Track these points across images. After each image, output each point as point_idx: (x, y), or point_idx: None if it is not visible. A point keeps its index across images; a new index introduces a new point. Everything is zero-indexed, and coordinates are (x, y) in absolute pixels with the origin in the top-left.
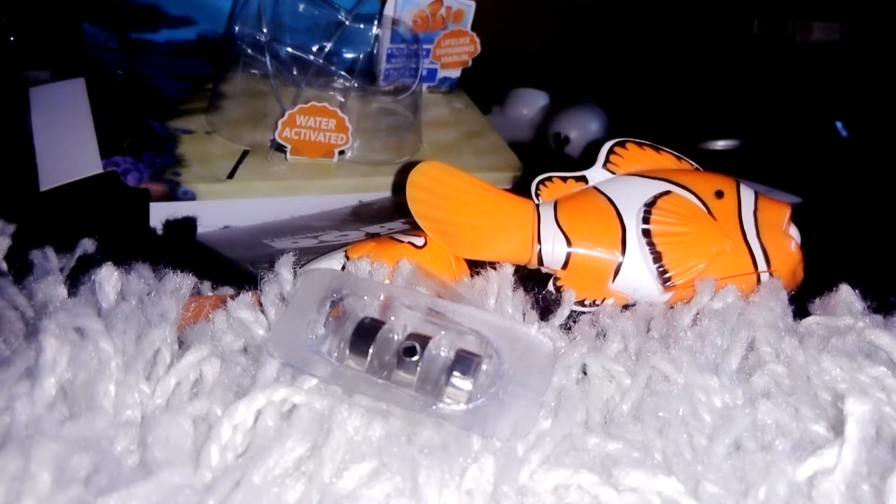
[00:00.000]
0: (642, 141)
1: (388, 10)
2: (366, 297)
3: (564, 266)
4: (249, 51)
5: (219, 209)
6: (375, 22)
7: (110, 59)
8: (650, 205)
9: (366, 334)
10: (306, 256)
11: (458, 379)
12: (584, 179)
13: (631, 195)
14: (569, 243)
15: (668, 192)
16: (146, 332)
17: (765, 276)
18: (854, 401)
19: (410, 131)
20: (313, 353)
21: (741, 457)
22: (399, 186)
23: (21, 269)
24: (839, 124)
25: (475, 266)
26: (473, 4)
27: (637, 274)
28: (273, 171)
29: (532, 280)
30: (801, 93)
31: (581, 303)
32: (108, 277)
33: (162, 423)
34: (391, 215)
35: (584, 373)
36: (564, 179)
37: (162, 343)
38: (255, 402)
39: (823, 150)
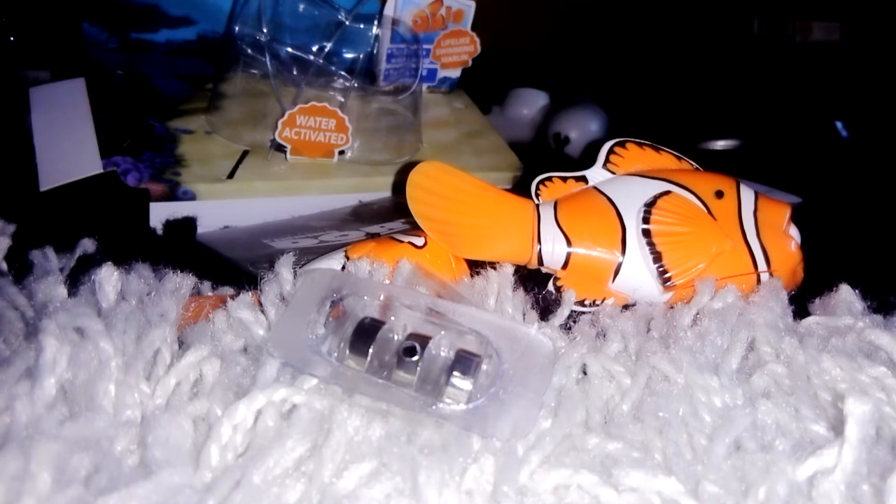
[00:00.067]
0: (642, 141)
1: (388, 10)
2: (366, 297)
3: (564, 266)
4: (249, 51)
5: (219, 209)
6: (375, 22)
7: (110, 59)
8: (650, 205)
9: (366, 334)
10: (306, 256)
11: (458, 379)
12: (584, 179)
13: (631, 195)
14: (569, 243)
15: (668, 192)
16: (146, 332)
17: (765, 276)
18: (854, 401)
19: (410, 131)
20: (313, 353)
21: (741, 457)
22: (399, 186)
23: (21, 269)
24: (839, 124)
25: (475, 266)
26: (473, 4)
27: (637, 274)
28: (273, 171)
29: (532, 280)
30: (801, 93)
31: (581, 303)
32: (108, 277)
33: (162, 423)
34: (391, 215)
35: (584, 373)
36: (564, 179)
37: (162, 343)
38: (255, 402)
39: (823, 150)
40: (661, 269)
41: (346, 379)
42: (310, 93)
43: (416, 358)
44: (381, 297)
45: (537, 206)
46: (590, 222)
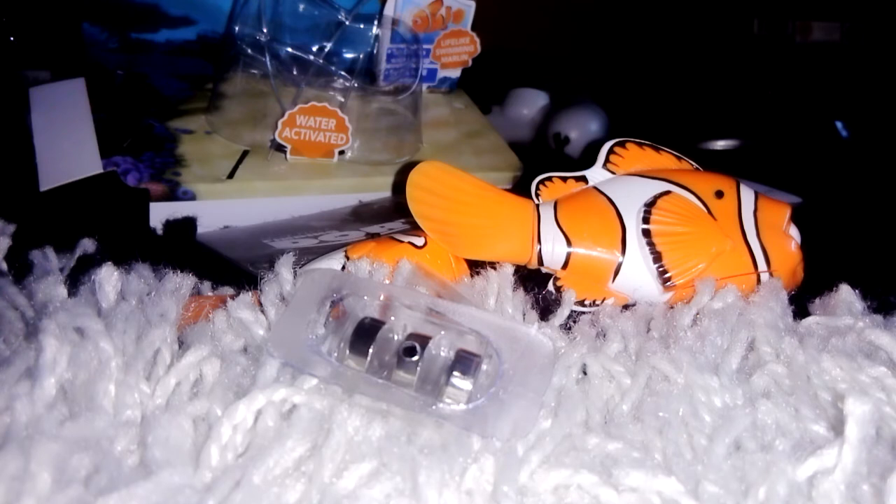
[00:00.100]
0: (642, 141)
1: (388, 10)
2: (366, 297)
3: (564, 266)
4: (249, 51)
5: (219, 209)
6: (375, 22)
7: (110, 59)
8: (650, 205)
9: (366, 334)
10: (306, 256)
11: (458, 379)
12: (584, 179)
13: (631, 195)
14: (569, 243)
15: (668, 192)
16: (146, 332)
17: (765, 276)
18: (854, 401)
19: (410, 131)
20: (313, 353)
21: (741, 457)
22: (399, 186)
23: (21, 269)
24: (839, 124)
25: (475, 266)
26: (473, 4)
27: (637, 274)
28: (273, 171)
29: (532, 280)
30: (801, 93)
31: (581, 303)
32: (108, 277)
33: (162, 423)
34: (391, 215)
35: (584, 373)
36: (564, 179)
37: (162, 343)
38: (255, 402)
39: (823, 150)
40: (661, 269)
41: (346, 379)
42: (310, 93)
43: (416, 358)
44: (381, 297)
45: (537, 206)
46: (590, 222)
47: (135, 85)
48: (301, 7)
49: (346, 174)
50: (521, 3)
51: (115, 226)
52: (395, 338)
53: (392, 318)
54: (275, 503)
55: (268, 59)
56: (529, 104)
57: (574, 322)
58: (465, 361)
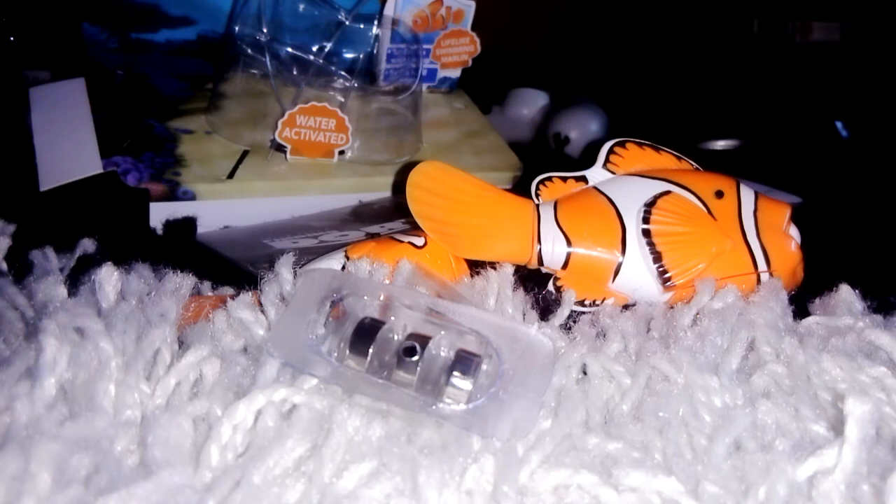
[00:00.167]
0: (642, 141)
1: (388, 10)
2: (366, 297)
3: (564, 266)
4: (249, 51)
5: (219, 209)
6: (375, 22)
7: (110, 59)
8: (650, 205)
9: (366, 334)
10: (306, 256)
11: (458, 379)
12: (584, 179)
13: (631, 195)
14: (569, 243)
15: (668, 192)
16: (146, 332)
17: (765, 276)
18: (854, 401)
19: (410, 131)
20: (313, 353)
21: (741, 457)
22: (399, 186)
23: (21, 269)
24: (839, 124)
25: (475, 266)
26: (473, 4)
27: (637, 274)
28: (273, 171)
29: (532, 280)
30: (801, 93)
31: (581, 303)
32: (108, 277)
33: (162, 423)
34: (391, 215)
35: (584, 373)
36: (564, 179)
37: (162, 343)
38: (255, 402)
39: (823, 150)
40: (661, 269)
41: (346, 379)
42: (310, 93)
43: (416, 358)
44: (381, 297)
45: (537, 206)
46: (590, 222)
47: (135, 85)
48: (301, 7)
49: (346, 174)
50: (521, 3)
51: (115, 226)
52: (395, 338)
53: (392, 318)
54: (275, 503)
55: (268, 59)
56: (529, 104)
57: (574, 322)
58: (465, 361)
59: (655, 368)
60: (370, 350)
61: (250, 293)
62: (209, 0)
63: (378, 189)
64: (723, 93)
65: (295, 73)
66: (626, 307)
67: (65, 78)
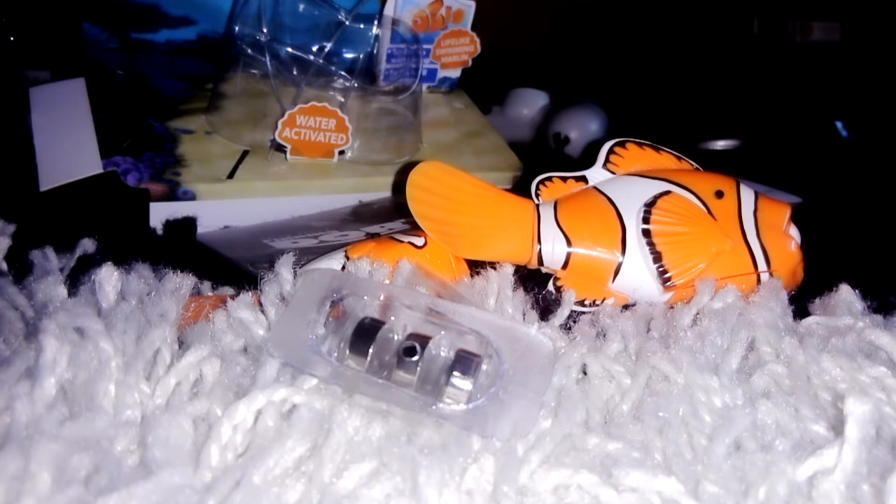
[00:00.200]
0: (642, 141)
1: (388, 10)
2: (366, 297)
3: (564, 266)
4: (249, 51)
5: (219, 209)
6: (375, 22)
7: (110, 59)
8: (650, 205)
9: (366, 334)
10: (306, 256)
11: (458, 379)
12: (584, 179)
13: (631, 195)
14: (569, 243)
15: (668, 192)
16: (146, 332)
17: (765, 276)
18: (854, 401)
19: (410, 131)
20: (313, 353)
21: (741, 457)
22: (399, 186)
23: (21, 269)
24: (839, 124)
25: (475, 266)
26: (473, 4)
27: (637, 274)
28: (273, 171)
29: (532, 280)
30: (801, 93)
31: (581, 303)
32: (108, 277)
33: (162, 423)
34: (391, 215)
35: (584, 373)
36: (564, 179)
37: (162, 343)
38: (255, 402)
39: (823, 150)
40: (661, 269)
41: (346, 379)
42: (310, 93)
43: (416, 358)
44: (381, 297)
45: (537, 206)
46: (590, 222)
47: (135, 85)
48: (301, 7)
49: (346, 174)
50: (521, 3)
51: (115, 226)
52: (395, 338)
53: (392, 318)
54: (275, 503)
55: (268, 59)
56: (529, 104)
57: (574, 322)
58: (465, 361)
59: (655, 368)
60: (370, 350)
61: (250, 293)
62: (209, 0)
63: (378, 189)
64: (723, 93)
65: (295, 73)
66: (626, 307)
67: (65, 78)
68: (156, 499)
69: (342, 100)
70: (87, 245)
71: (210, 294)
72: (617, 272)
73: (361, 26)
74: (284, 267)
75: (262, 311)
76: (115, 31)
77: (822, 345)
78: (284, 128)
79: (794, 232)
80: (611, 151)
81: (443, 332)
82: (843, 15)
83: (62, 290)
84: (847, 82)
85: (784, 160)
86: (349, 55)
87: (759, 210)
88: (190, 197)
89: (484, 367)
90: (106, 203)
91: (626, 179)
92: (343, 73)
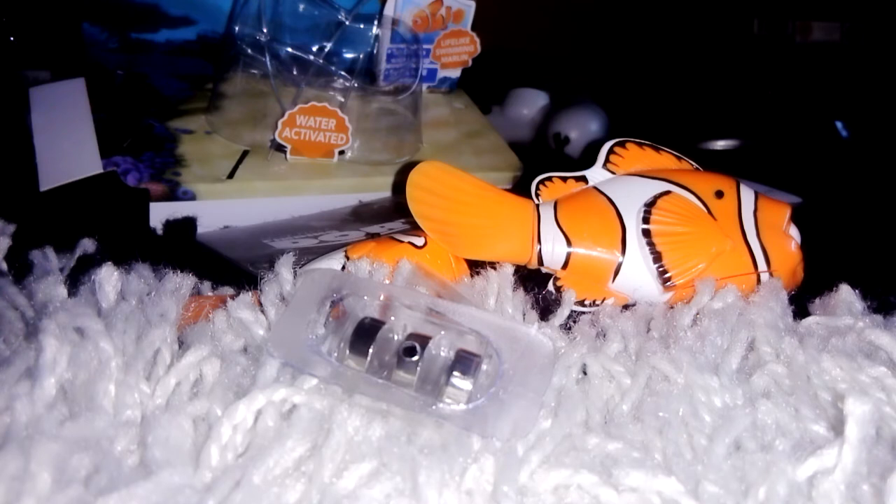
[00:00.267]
0: (642, 141)
1: (388, 10)
2: (366, 297)
3: (564, 266)
4: (249, 51)
5: (219, 209)
6: (375, 22)
7: (110, 59)
8: (650, 205)
9: (366, 334)
10: (306, 256)
11: (458, 379)
12: (584, 179)
13: (631, 195)
14: (569, 243)
15: (668, 192)
16: (146, 332)
17: (765, 276)
18: (854, 401)
19: (410, 131)
20: (313, 353)
21: (741, 457)
22: (399, 186)
23: (21, 269)
24: (839, 124)
25: (475, 266)
26: (473, 4)
27: (637, 274)
28: (273, 171)
29: (532, 280)
30: (801, 93)
31: (581, 303)
32: (108, 277)
33: (162, 423)
34: (391, 215)
35: (584, 373)
36: (564, 179)
37: (162, 343)
38: (255, 402)
39: (823, 150)
40: (661, 269)
41: (346, 379)
42: (310, 93)
43: (416, 358)
44: (381, 297)
45: (537, 206)
46: (590, 222)
47: (135, 85)
48: (301, 7)
49: (346, 174)
50: (521, 3)
51: (115, 226)
52: (395, 338)
53: (392, 318)
54: (275, 503)
55: (268, 59)
56: (529, 104)
57: (574, 322)
58: (465, 361)
59: (655, 368)
60: (370, 350)
61: (250, 293)
62: (209, 0)
63: (378, 189)
64: (723, 93)
65: (295, 73)
66: (626, 307)
67: (65, 78)
68: (156, 499)
69: (342, 100)
70: (87, 245)
71: (210, 294)
72: (617, 272)
73: (361, 26)
74: (284, 267)
75: (262, 311)
76: (115, 31)
77: (822, 345)
78: (284, 128)
79: (794, 232)
80: (611, 151)
81: (443, 332)
82: (843, 15)
83: (62, 290)
84: (847, 82)
85: (784, 160)
86: (349, 55)
87: (759, 210)
88: (190, 197)
89: (484, 367)
90: (106, 203)
91: (626, 179)
92: (343, 73)
